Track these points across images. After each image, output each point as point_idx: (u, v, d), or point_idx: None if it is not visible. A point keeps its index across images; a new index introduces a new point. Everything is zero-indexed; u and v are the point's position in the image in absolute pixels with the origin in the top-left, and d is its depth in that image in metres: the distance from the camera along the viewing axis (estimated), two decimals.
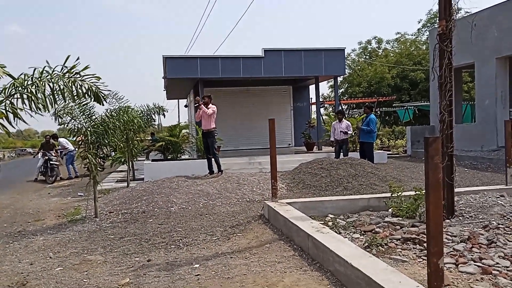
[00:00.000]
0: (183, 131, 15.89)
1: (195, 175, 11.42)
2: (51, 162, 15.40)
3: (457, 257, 4.49)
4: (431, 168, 3.12)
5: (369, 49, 38.65)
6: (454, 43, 5.83)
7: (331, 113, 25.35)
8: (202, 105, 11.00)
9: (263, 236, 6.18)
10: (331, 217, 6.64)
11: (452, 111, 5.83)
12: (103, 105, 7.34)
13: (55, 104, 6.79)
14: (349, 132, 12.70)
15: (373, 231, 5.58)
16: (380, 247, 4.93)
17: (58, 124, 8.35)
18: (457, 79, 17.89)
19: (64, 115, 8.10)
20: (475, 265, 4.27)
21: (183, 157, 14.79)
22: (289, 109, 20.28)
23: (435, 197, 3.10)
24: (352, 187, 9.37)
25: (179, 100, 44.68)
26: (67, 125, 8.26)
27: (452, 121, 5.85)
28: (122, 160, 14.43)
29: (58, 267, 5.41)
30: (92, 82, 7.06)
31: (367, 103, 18.22)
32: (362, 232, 5.66)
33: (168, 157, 14.50)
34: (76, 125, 8.27)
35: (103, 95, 7.27)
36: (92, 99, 7.19)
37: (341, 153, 12.74)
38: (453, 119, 5.92)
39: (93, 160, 8.11)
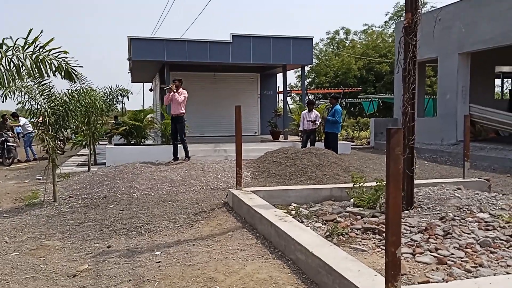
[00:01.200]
0: (148, 115, 15.64)
1: (158, 161, 11.32)
2: (8, 143, 14.87)
3: (414, 247, 4.64)
4: (392, 159, 3.18)
5: (337, 39, 38.94)
6: (419, 36, 5.94)
7: (297, 102, 25.51)
8: (175, 91, 11.02)
9: (227, 224, 6.19)
10: (294, 206, 6.72)
11: (414, 104, 5.96)
12: (75, 82, 7.01)
13: (14, 82, 6.47)
14: (317, 122, 12.81)
15: (335, 221, 5.69)
16: (341, 236, 5.03)
17: (17, 104, 8.02)
18: (421, 73, 18.31)
19: (19, 94, 7.73)
20: (431, 255, 4.42)
21: (147, 142, 14.59)
22: (256, 97, 20.28)
23: (395, 187, 3.17)
24: (316, 176, 9.48)
25: (144, 83, 43.96)
26: (24, 105, 7.95)
27: (414, 114, 5.98)
28: (84, 143, 14.09)
29: (14, 252, 5.27)
30: (61, 58, 6.68)
31: (333, 94, 18.42)
32: (324, 221, 5.76)
33: (132, 142, 14.27)
34: (35, 106, 7.98)
35: (74, 71, 6.92)
36: (63, 76, 6.80)
37: (309, 143, 12.86)
38: (415, 112, 6.06)
39: (52, 143, 7.87)
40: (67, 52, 6.72)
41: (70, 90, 9.61)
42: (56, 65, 6.66)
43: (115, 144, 14.50)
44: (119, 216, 6.77)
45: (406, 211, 5.89)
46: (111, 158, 12.86)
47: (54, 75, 6.76)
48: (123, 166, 10.27)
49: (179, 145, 11.40)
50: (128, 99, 14.03)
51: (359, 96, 31.77)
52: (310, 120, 12.73)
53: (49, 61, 6.58)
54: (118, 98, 12.52)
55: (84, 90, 10.45)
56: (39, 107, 7.98)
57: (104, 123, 15.22)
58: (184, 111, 11.21)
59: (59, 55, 6.72)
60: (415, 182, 6.19)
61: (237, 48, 16.04)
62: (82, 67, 7.12)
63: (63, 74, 6.79)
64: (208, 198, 8.02)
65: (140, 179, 9.19)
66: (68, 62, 6.84)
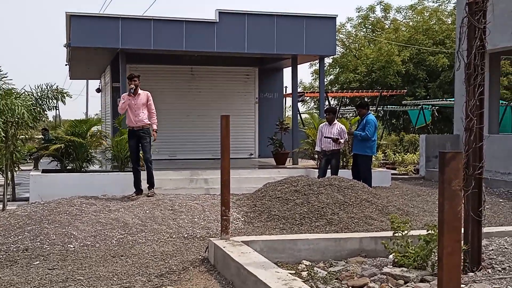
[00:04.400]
0: (94, 128, 15.63)
1: (107, 196, 11.23)
2: None
3: None
4: (447, 197, 3.19)
5: (372, 19, 39.33)
6: (490, 17, 5.98)
7: (313, 110, 25.61)
8: (133, 94, 11.28)
9: None
10: (306, 265, 6.69)
11: (483, 115, 5.98)
12: None
13: None
14: (342, 140, 12.77)
15: (366, 287, 5.66)
16: None
17: None
18: (494, 69, 18.38)
19: None
20: None
21: (91, 167, 14.58)
22: (253, 101, 20.39)
23: (451, 239, 3.16)
24: (339, 220, 9.43)
25: (89, 81, 44.18)
26: None
27: (483, 130, 5.99)
28: None
29: None
30: None
31: (361, 100, 18.50)
32: None
33: (68, 167, 14.24)
34: None
35: None
36: None
37: (329, 171, 12.86)
38: (485, 126, 6.07)
39: None
40: None
41: None
42: None
43: (44, 170, 14.45)
44: (47, 279, 6.73)
45: (471, 274, 5.87)
46: (37, 191, 12.79)
47: None
48: (54, 204, 10.17)
49: (142, 171, 11.52)
50: (65, 104, 14.02)
51: (404, 102, 31.89)
52: (331, 137, 12.73)
53: None
54: (49, 103, 12.54)
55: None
56: None
57: (28, 139, 15.24)
58: (149, 122, 11.47)
59: None
60: (485, 230, 6.18)
61: (225, 30, 16.17)
62: None
63: None
64: (180, 251, 7.97)
65: (79, 222, 9.12)
66: None
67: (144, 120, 11.36)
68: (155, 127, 11.53)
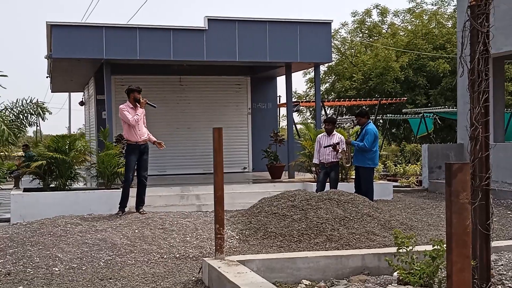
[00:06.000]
0: (78, 143, 15.58)
1: (93, 215, 11.21)
2: None
3: None
4: (455, 211, 3.20)
5: (368, 23, 39.40)
6: (493, 20, 6.01)
7: (309, 120, 25.63)
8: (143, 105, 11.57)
9: None
10: (306, 284, 6.67)
11: (488, 123, 5.99)
12: None
13: None
14: (343, 146, 12.71)
15: None
16: None
17: None
18: (498, 74, 18.46)
19: None
20: None
21: (75, 185, 14.53)
22: (245, 112, 20.38)
23: (460, 254, 3.17)
24: (340, 237, 9.42)
25: (71, 93, 44.15)
26: None
27: (489, 138, 6.00)
28: None
29: None
30: None
31: (360, 108, 18.52)
32: None
33: (51, 185, 14.19)
34: None
35: None
36: None
37: (327, 184, 12.87)
38: (491, 135, 6.08)
39: None
40: None
41: None
42: None
43: (25, 189, 14.39)
44: None
45: None
46: (18, 211, 12.74)
47: None
48: (37, 224, 10.16)
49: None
50: (44, 120, 13.99)
51: (404, 111, 31.94)
52: (331, 144, 12.69)
53: None
54: (29, 118, 12.54)
55: None
56: None
57: (8, 157, 15.20)
58: (149, 136, 11.90)
59: None
60: (493, 244, 6.19)
61: (215, 38, 16.19)
62: None
63: None
64: (171, 272, 7.95)
65: (64, 244, 9.09)
66: None
67: (145, 134, 11.67)
68: (154, 138, 11.90)
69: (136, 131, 11.48)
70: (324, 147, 12.75)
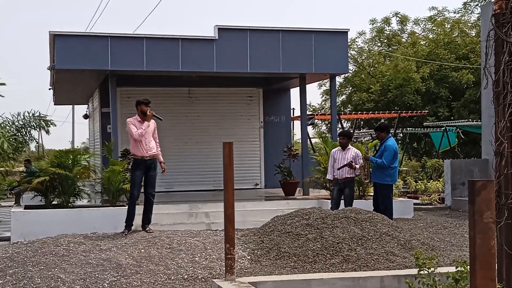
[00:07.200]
0: (81, 158, 15.59)
1: (98, 233, 11.24)
2: None
3: None
4: (479, 231, 3.17)
5: (387, 32, 39.47)
6: None
7: (324, 134, 25.59)
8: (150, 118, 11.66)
9: None
10: None
11: None
12: None
13: None
14: (357, 166, 12.66)
15: None
16: None
17: None
18: None
19: None
20: None
21: (78, 202, 14.55)
22: (257, 126, 20.39)
23: (485, 277, 3.14)
24: (357, 257, 9.39)
25: (75, 106, 44.45)
26: None
27: None
28: None
29: None
30: None
31: (380, 122, 18.45)
32: None
33: (54, 202, 14.22)
34: None
35: None
36: None
37: (343, 202, 12.79)
38: None
39: None
40: None
41: None
42: None
43: (26, 206, 14.44)
44: None
45: None
46: (19, 230, 12.77)
47: None
48: (39, 243, 10.18)
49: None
50: (48, 134, 14.02)
51: (425, 124, 31.87)
52: (345, 164, 12.63)
53: None
54: (31, 132, 12.54)
55: None
56: None
57: (9, 172, 15.22)
58: (158, 152, 11.93)
59: None
60: None
61: (225, 48, 16.21)
62: None
63: None
64: None
65: (67, 264, 9.08)
66: None
67: (154, 149, 11.61)
68: (162, 158, 11.86)
69: (142, 145, 11.47)
70: (338, 168, 12.66)
